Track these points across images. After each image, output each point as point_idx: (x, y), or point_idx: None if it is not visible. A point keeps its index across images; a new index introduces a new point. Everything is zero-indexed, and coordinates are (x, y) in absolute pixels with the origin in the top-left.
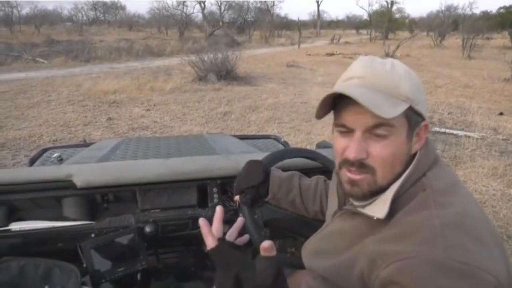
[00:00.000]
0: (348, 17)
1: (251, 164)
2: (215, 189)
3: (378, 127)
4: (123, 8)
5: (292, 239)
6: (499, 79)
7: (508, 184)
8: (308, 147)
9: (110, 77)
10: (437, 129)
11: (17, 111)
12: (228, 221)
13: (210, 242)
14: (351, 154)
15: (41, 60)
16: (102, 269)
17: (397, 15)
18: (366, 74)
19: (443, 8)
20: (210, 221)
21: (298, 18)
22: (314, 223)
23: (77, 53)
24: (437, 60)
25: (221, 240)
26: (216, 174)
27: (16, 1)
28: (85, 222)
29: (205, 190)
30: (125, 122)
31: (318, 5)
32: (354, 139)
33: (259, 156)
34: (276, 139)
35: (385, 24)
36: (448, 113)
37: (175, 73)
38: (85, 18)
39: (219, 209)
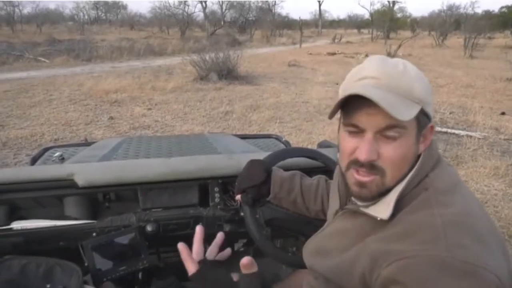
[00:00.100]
0: (349, 16)
1: (253, 163)
2: (216, 189)
3: (390, 129)
4: (124, 7)
5: (293, 238)
6: (501, 79)
7: (510, 184)
8: (310, 147)
9: (111, 76)
10: (439, 128)
11: (19, 110)
12: (229, 221)
13: (190, 268)
14: (362, 155)
15: (43, 59)
16: (104, 268)
17: (398, 15)
18: (380, 74)
19: (445, 8)
20: (210, 221)
21: (300, 18)
22: (315, 223)
23: (78, 52)
24: (439, 59)
25: (202, 262)
26: (218, 173)
27: (18, 0)
28: (86, 221)
29: (207, 190)
30: (127, 121)
31: (320, 5)
32: (365, 140)
33: (261, 155)
34: (278, 138)
35: (387, 24)
36: (450, 113)
37: (177, 73)
38: (86, 17)
39: (198, 230)
